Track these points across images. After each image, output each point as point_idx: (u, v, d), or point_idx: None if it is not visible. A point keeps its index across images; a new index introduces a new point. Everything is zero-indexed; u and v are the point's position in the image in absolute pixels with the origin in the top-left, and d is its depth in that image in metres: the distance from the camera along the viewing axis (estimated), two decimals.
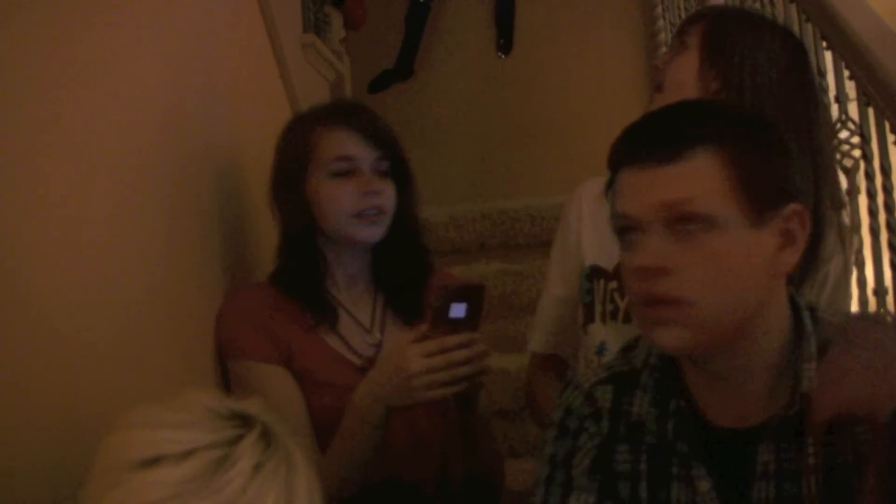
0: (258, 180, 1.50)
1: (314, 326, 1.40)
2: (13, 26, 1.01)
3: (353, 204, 1.39)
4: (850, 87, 1.62)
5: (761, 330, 0.91)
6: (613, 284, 1.33)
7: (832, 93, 1.66)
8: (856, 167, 1.60)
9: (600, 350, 1.34)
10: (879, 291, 1.54)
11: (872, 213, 1.53)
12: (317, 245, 1.44)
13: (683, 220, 0.87)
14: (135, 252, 1.25)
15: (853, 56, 1.56)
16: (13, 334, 0.97)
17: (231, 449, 0.76)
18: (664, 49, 2.88)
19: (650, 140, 0.91)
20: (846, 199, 1.55)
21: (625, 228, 0.92)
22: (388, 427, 1.27)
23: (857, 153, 1.60)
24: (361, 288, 1.49)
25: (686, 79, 1.24)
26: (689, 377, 0.97)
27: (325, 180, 1.41)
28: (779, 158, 0.92)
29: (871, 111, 1.54)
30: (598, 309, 1.35)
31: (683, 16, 2.82)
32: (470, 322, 1.22)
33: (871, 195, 1.54)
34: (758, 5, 2.02)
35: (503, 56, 3.92)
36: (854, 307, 1.51)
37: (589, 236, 1.40)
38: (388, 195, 1.43)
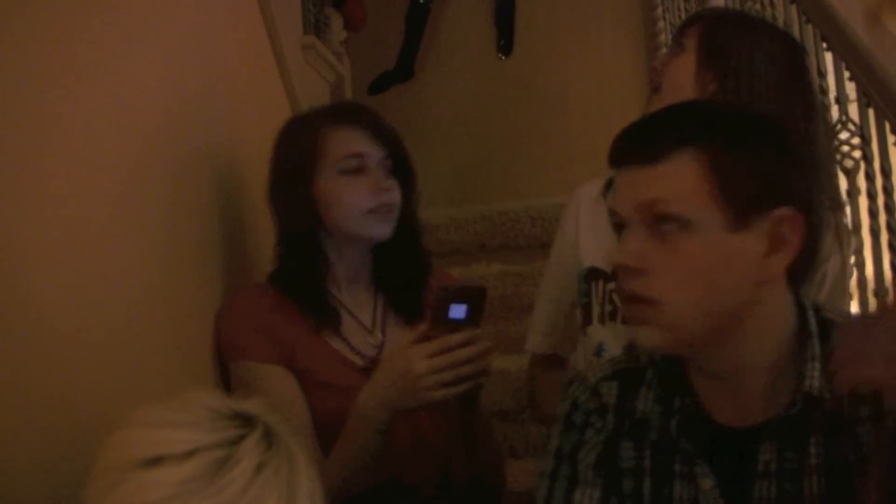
0: (258, 180, 1.49)
1: (317, 329, 1.40)
2: (13, 26, 1.01)
3: (367, 201, 1.40)
4: (851, 89, 1.62)
5: (752, 333, 0.91)
6: (612, 285, 1.33)
7: (833, 94, 1.66)
8: (856, 168, 1.60)
9: (599, 351, 1.34)
10: (880, 292, 1.54)
11: (873, 214, 1.53)
12: (319, 245, 1.43)
13: (660, 221, 0.88)
14: (134, 252, 1.25)
15: (853, 57, 1.57)
16: (13, 334, 0.97)
17: (233, 449, 0.76)
18: (664, 50, 2.88)
19: (635, 141, 0.93)
20: (844, 199, 1.55)
21: (618, 225, 0.95)
22: (390, 429, 1.26)
23: (857, 154, 1.60)
24: (362, 288, 1.48)
25: (683, 80, 1.25)
26: (692, 375, 0.97)
27: (336, 178, 1.40)
28: (771, 161, 0.90)
29: (871, 112, 1.54)
30: (595, 310, 1.35)
31: (684, 16, 2.82)
32: (470, 324, 1.22)
33: (872, 196, 1.55)
34: (758, 6, 2.02)
35: (503, 57, 3.93)
36: (854, 308, 1.51)
37: (587, 238, 1.40)
38: (396, 193, 1.44)
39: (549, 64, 3.84)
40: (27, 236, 1.01)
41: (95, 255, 1.15)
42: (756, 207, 0.88)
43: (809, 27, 1.73)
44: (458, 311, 1.21)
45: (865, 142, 1.56)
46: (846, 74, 1.62)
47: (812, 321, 0.93)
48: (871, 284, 1.56)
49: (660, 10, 3.29)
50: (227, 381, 1.42)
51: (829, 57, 1.67)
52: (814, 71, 1.68)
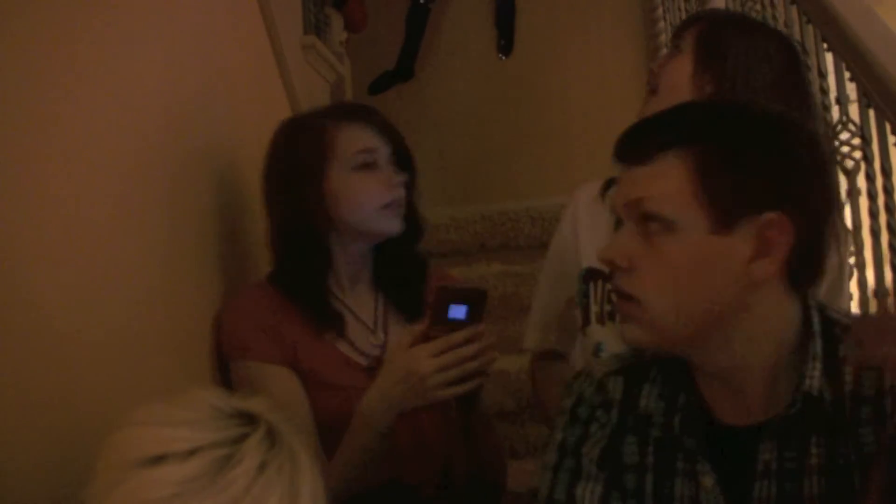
0: (258, 180, 1.49)
1: (320, 332, 1.40)
2: (13, 26, 1.01)
3: (382, 196, 1.40)
4: (851, 89, 1.62)
5: (745, 335, 0.90)
6: (610, 285, 1.33)
7: (833, 94, 1.66)
8: (856, 169, 1.60)
9: (597, 351, 1.34)
10: (880, 293, 1.54)
11: (873, 214, 1.53)
12: (322, 243, 1.42)
13: (645, 219, 0.89)
14: (134, 252, 1.25)
15: (854, 58, 1.57)
16: (13, 334, 0.97)
17: (236, 448, 0.76)
18: (665, 50, 2.88)
19: (630, 141, 0.94)
20: (844, 199, 1.55)
21: (619, 222, 0.96)
22: (391, 430, 1.26)
23: (857, 155, 1.60)
24: (362, 287, 1.48)
25: (680, 82, 1.25)
26: (695, 373, 0.97)
27: (349, 174, 1.40)
28: (761, 164, 0.88)
29: (871, 113, 1.54)
30: (594, 310, 1.36)
31: (684, 16, 2.82)
32: (470, 325, 1.22)
33: (872, 197, 1.54)
34: (758, 7, 2.02)
35: (503, 57, 3.93)
36: (854, 308, 1.51)
37: (585, 238, 1.40)
38: (404, 189, 1.44)
39: (549, 64, 3.84)
40: (27, 236, 1.01)
41: (95, 255, 1.15)
42: (741, 210, 0.87)
43: (810, 28, 1.73)
44: (457, 311, 1.21)
45: (866, 142, 1.56)
46: (847, 75, 1.61)
47: (816, 321, 0.92)
48: (871, 285, 1.56)
49: (660, 11, 3.29)
50: (227, 381, 1.42)
51: (829, 57, 1.67)
52: (814, 71, 1.68)
